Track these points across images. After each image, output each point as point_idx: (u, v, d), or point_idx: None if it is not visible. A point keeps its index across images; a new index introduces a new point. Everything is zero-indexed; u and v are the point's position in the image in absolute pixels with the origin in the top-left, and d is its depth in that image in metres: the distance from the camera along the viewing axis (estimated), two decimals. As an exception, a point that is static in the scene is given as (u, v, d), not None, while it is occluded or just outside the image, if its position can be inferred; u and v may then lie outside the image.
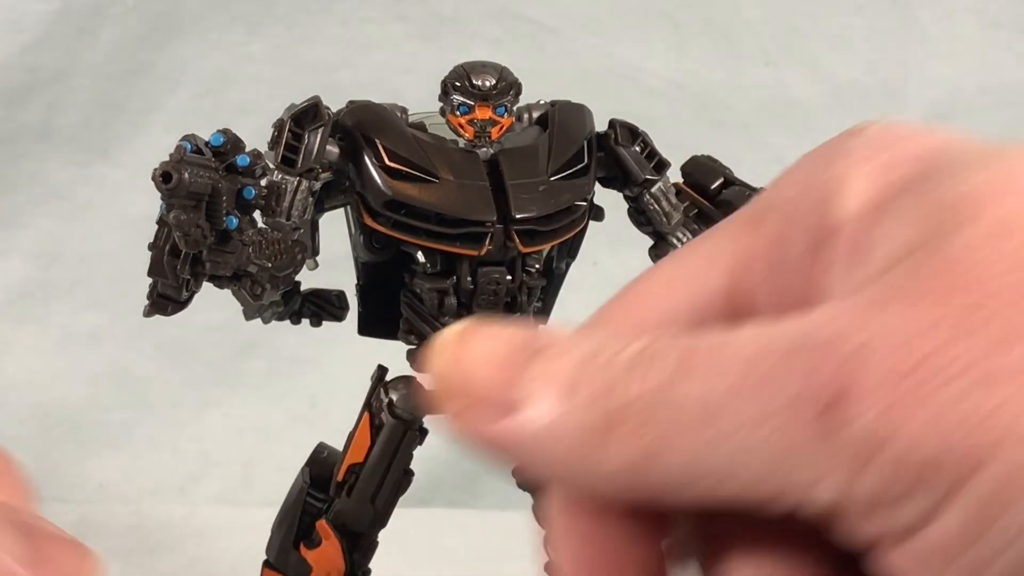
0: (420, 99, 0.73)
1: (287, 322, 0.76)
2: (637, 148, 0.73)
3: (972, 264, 0.26)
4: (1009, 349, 0.25)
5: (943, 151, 0.29)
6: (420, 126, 0.71)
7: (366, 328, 0.76)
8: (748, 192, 0.74)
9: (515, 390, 0.29)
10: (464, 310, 0.70)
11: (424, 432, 0.74)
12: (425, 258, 0.70)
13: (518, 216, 0.68)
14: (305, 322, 0.77)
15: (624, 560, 0.30)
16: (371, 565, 0.75)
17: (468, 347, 0.30)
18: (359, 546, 0.75)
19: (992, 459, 0.24)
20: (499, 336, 0.30)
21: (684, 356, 0.27)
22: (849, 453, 0.25)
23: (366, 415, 0.73)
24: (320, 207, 0.71)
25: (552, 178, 0.69)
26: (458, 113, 0.69)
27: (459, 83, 0.69)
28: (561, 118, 0.72)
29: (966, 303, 0.25)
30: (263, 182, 0.66)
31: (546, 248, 0.71)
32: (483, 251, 0.68)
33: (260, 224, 0.66)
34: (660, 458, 0.27)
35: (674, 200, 0.74)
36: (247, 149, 0.66)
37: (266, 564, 0.77)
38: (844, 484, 0.25)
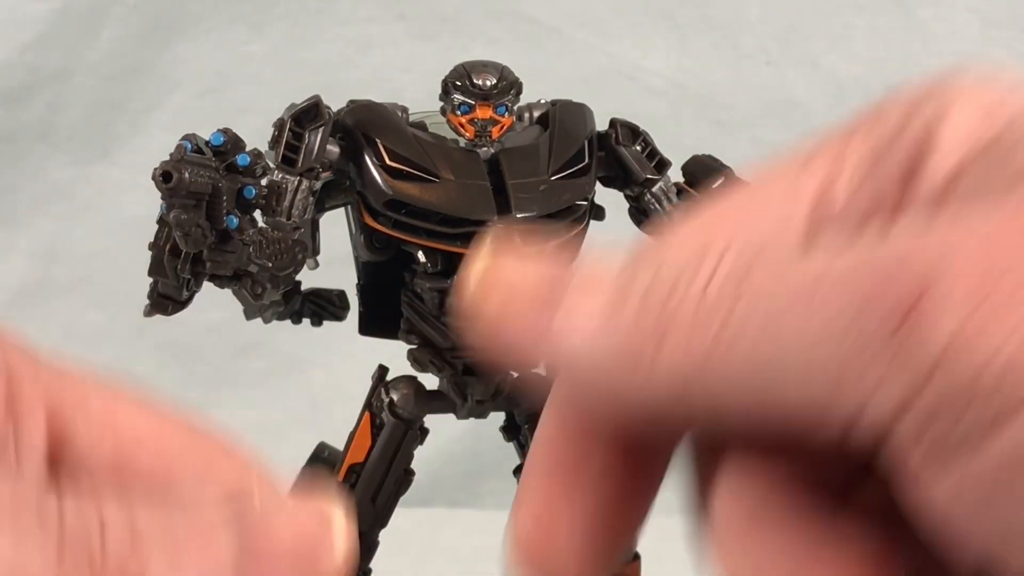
0: (420, 99, 0.73)
1: (287, 322, 0.76)
2: (638, 147, 0.73)
3: None
4: None
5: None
6: (421, 125, 0.71)
7: (366, 328, 0.76)
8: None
9: (559, 293, 0.27)
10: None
11: (425, 432, 0.74)
12: (426, 258, 0.70)
13: (519, 216, 0.68)
14: (305, 322, 0.77)
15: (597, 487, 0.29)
16: (371, 565, 0.75)
17: (504, 262, 0.28)
18: (360, 546, 0.75)
19: None
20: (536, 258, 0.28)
21: (752, 260, 0.26)
22: (920, 361, 0.23)
23: (367, 415, 0.73)
24: (320, 207, 0.71)
25: (553, 178, 0.69)
26: (459, 112, 0.69)
27: (460, 82, 0.69)
28: (562, 117, 0.71)
29: None
30: (263, 181, 0.66)
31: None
32: (484, 251, 0.68)
33: (260, 224, 0.66)
34: (719, 360, 0.25)
35: (675, 200, 0.74)
36: (247, 148, 0.66)
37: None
38: (908, 391, 0.24)
